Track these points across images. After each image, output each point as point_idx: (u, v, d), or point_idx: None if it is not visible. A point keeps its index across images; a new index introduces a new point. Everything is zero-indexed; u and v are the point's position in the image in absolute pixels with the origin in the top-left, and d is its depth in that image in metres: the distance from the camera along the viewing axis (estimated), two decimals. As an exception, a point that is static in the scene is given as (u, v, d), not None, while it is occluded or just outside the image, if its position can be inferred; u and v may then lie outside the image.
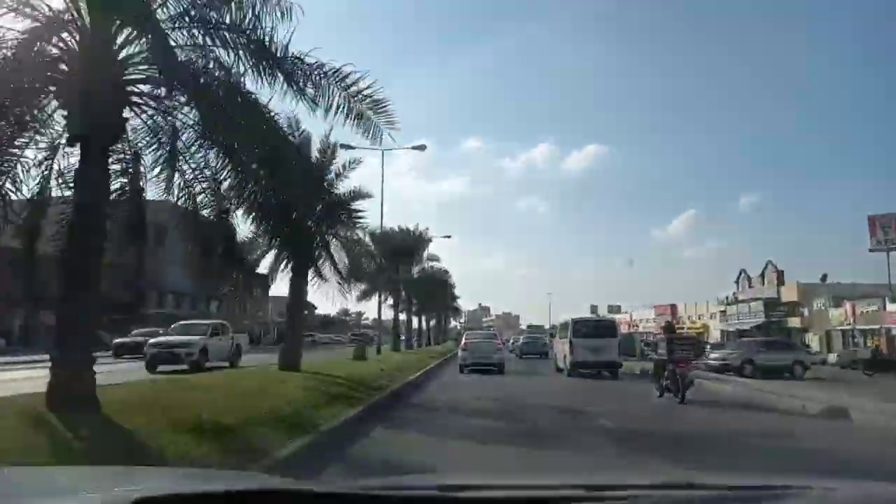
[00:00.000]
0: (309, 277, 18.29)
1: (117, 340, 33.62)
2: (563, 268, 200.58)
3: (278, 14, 8.54)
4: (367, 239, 36.86)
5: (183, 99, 8.85)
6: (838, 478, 2.03)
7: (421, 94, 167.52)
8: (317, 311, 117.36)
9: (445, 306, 61.87)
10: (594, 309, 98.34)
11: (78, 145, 8.12)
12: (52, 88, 8.24)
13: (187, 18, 8.57)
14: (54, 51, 8.18)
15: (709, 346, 63.02)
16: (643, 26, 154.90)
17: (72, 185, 8.63)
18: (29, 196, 9.57)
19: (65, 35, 8.02)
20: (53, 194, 9.83)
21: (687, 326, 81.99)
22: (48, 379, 7.75)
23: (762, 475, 2.95)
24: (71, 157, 9.03)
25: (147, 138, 9.60)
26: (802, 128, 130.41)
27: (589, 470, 5.26)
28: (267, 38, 8.59)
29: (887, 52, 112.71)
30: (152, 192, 10.78)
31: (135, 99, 8.78)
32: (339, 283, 19.29)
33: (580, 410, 12.55)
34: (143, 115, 9.22)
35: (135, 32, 7.92)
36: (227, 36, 8.50)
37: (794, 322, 62.97)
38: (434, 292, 49.46)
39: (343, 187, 18.49)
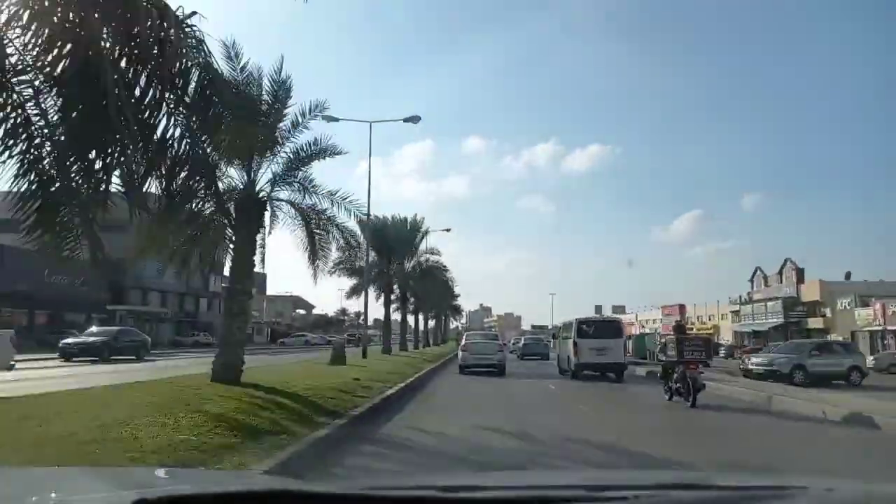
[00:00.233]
0: (256, 250, 13.73)
1: (66, 341, 29.13)
2: (566, 268, 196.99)
3: None
4: (356, 227, 32.88)
5: None
6: (838, 478, 2.11)
7: (422, 94, 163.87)
8: (314, 311, 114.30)
9: (445, 305, 57.13)
10: (598, 309, 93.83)
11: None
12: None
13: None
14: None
15: (722, 349, 59.87)
16: (646, 26, 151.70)
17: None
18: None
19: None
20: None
21: (696, 327, 77.84)
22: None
23: (762, 475, 2.90)
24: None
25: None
26: (805, 127, 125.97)
27: (589, 470, 4.69)
28: None
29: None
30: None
31: None
32: (310, 262, 14.66)
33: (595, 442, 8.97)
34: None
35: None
36: None
37: (816, 323, 58.32)
38: (432, 289, 44.88)
39: (301, 140, 13.92)
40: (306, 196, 14.26)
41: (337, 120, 27.65)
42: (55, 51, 6.74)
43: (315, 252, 14.12)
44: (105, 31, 6.86)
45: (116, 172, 7.44)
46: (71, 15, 6.78)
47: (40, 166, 7.14)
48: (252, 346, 63.51)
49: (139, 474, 2.54)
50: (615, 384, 20.35)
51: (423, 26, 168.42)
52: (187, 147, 7.98)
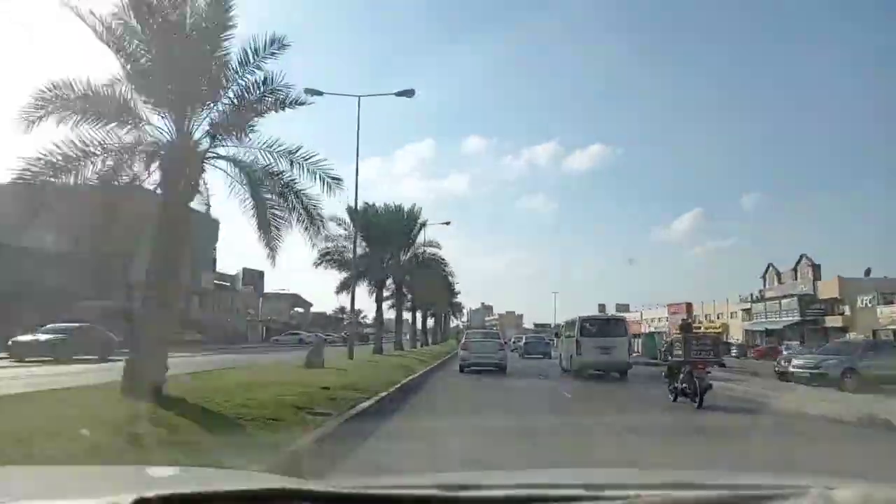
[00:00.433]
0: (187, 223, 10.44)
1: (16, 339, 25.92)
2: (567, 267, 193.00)
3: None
4: (344, 215, 29.51)
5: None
6: (839, 478, 1.85)
7: (422, 93, 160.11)
8: (313, 309, 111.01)
9: (444, 302, 53.77)
10: (602, 308, 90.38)
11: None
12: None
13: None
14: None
15: (733, 348, 56.56)
16: (647, 26, 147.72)
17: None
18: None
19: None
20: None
21: (704, 326, 74.57)
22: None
23: (763, 475, 2.68)
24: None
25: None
26: (806, 126, 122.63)
27: (589, 469, 4.16)
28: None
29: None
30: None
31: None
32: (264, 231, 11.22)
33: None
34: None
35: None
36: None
37: (834, 321, 54.94)
38: (430, 285, 41.53)
39: (252, 78, 10.54)
40: (259, 156, 10.87)
41: (320, 94, 24.57)
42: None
43: (266, 225, 10.76)
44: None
45: None
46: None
47: None
48: (245, 344, 60.57)
49: (139, 474, 2.47)
50: (618, 384, 19.65)
51: (423, 26, 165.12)
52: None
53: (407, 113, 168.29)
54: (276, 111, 10.99)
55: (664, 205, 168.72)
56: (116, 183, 10.56)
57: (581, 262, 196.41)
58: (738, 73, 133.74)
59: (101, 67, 20.98)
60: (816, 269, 58.58)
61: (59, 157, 9.64)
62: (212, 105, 10.60)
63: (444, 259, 36.76)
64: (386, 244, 30.40)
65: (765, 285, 66.87)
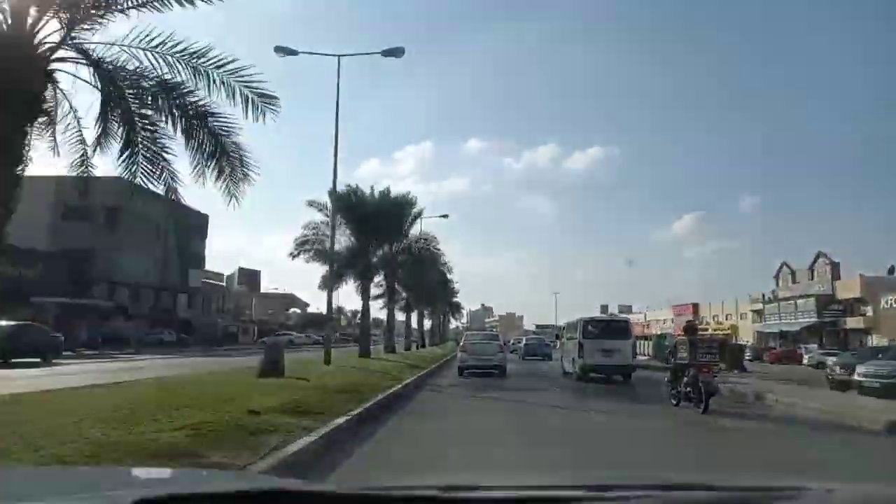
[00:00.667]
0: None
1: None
2: (568, 268, 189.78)
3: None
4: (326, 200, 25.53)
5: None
6: (838, 480, 1.82)
7: (422, 94, 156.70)
8: (309, 309, 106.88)
9: (442, 301, 49.76)
10: (605, 309, 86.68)
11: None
12: None
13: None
14: None
15: (747, 351, 52.42)
16: (647, 26, 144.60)
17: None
18: None
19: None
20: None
21: (712, 328, 70.66)
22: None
23: (763, 476, 2.83)
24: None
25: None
26: (807, 126, 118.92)
27: (590, 470, 4.38)
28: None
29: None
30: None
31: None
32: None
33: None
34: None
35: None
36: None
37: (856, 322, 50.89)
38: (426, 282, 37.63)
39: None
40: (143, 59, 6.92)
41: (295, 53, 20.84)
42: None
43: (133, 146, 6.77)
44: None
45: None
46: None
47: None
48: (234, 345, 56.47)
49: (139, 474, 2.45)
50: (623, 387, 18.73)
51: (423, 27, 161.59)
52: None
53: (406, 114, 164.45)
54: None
55: (665, 206, 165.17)
56: None
57: (581, 264, 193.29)
58: (738, 73, 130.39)
59: None
60: (835, 267, 54.51)
61: None
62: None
63: (440, 250, 32.48)
64: (375, 234, 26.31)
65: (778, 285, 62.82)
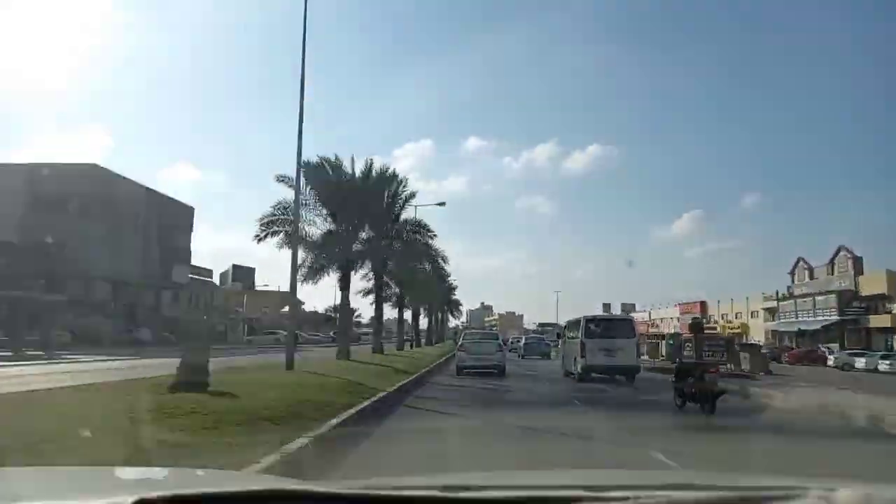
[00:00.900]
0: None
1: None
2: (568, 267, 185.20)
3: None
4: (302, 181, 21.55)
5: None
6: (839, 479, 1.72)
7: (421, 94, 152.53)
8: (305, 308, 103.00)
9: (437, 296, 45.70)
10: (607, 307, 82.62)
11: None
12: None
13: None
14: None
15: (763, 350, 48.26)
16: (646, 26, 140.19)
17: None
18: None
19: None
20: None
21: (721, 326, 66.82)
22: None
23: (763, 475, 2.63)
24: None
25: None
26: (808, 126, 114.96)
27: (589, 470, 4.16)
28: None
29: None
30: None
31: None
32: None
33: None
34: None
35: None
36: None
37: (880, 321, 46.85)
38: (421, 276, 33.60)
39: None
40: None
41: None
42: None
43: None
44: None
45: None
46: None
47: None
48: (223, 344, 52.35)
49: (139, 474, 2.44)
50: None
51: (423, 27, 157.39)
52: None
53: (406, 112, 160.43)
54: None
55: (665, 204, 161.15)
56: None
57: (582, 263, 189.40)
58: (738, 72, 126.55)
59: None
60: (857, 261, 50.43)
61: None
62: None
63: (432, 232, 28.03)
64: (357, 216, 22.21)
65: (793, 281, 58.80)
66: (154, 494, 1.36)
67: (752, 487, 1.69)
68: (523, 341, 46.36)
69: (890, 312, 46.42)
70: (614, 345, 18.94)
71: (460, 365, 21.50)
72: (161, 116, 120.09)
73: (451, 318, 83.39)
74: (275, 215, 20.34)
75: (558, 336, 30.96)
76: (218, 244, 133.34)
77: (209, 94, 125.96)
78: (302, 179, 21.02)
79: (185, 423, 6.60)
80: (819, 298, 52.08)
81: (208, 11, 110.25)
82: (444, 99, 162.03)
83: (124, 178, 53.63)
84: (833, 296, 50.19)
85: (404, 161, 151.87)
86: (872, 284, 48.16)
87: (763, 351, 37.89)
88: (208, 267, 77.50)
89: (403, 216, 27.08)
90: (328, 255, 21.53)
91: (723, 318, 71.40)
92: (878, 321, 47.09)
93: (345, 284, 21.87)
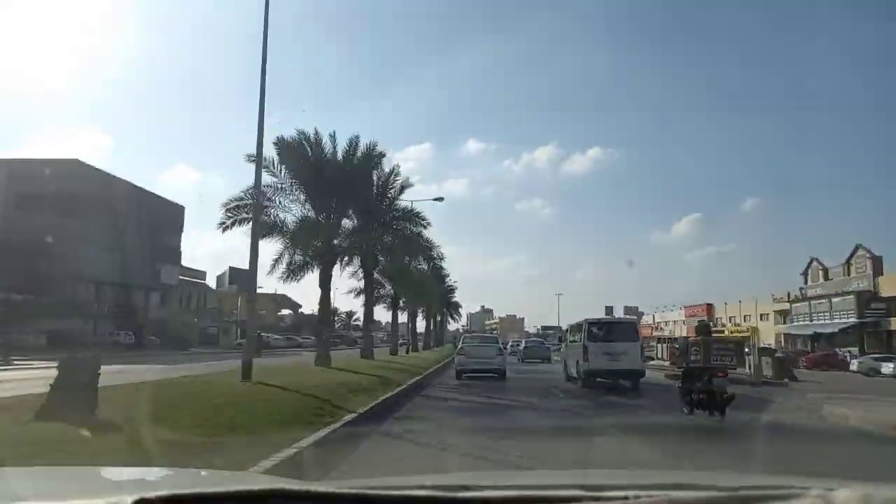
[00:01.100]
0: None
1: None
2: (569, 270, 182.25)
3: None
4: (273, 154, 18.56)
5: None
6: (839, 479, 1.63)
7: (422, 95, 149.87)
8: (302, 311, 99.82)
9: (434, 295, 42.58)
10: (609, 310, 79.64)
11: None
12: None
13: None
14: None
15: (778, 354, 45.09)
16: (646, 28, 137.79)
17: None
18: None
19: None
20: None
21: (729, 329, 63.69)
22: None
23: (763, 475, 2.63)
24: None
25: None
26: (809, 127, 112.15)
27: (589, 470, 4.11)
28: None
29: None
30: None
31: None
32: None
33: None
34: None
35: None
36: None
37: (903, 324, 43.76)
38: (415, 272, 30.56)
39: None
40: None
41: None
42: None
43: None
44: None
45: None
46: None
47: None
48: (213, 348, 49.18)
49: (139, 474, 2.36)
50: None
51: (423, 27, 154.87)
52: None
53: (406, 115, 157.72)
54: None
55: (666, 206, 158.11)
56: None
57: (582, 265, 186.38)
58: (738, 73, 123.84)
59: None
60: (877, 261, 47.32)
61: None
62: None
63: (427, 226, 24.77)
64: (340, 202, 19.17)
65: (806, 282, 55.69)
66: (154, 494, 1.33)
67: (752, 487, 1.62)
68: (523, 345, 45.28)
69: (914, 315, 43.32)
70: (618, 348, 18.14)
71: (460, 369, 20.90)
72: (161, 117, 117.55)
73: (450, 321, 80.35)
74: (243, 199, 17.31)
75: (560, 340, 30.18)
76: (217, 247, 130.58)
77: (209, 95, 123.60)
78: (276, 159, 18.14)
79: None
80: (836, 300, 48.97)
81: (209, 12, 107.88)
82: (443, 101, 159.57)
83: (109, 174, 50.73)
84: (851, 297, 47.06)
85: (404, 165, 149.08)
86: (894, 285, 45.04)
87: (778, 355, 34.78)
88: (204, 269, 74.47)
89: (397, 208, 24.13)
90: (304, 247, 18.46)
91: (730, 320, 68.27)
92: (900, 324, 43.98)
93: (325, 280, 18.77)
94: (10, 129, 75.24)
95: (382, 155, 19.63)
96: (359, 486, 1.51)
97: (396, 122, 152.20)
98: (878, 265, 47.08)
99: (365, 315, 25.60)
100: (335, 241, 19.06)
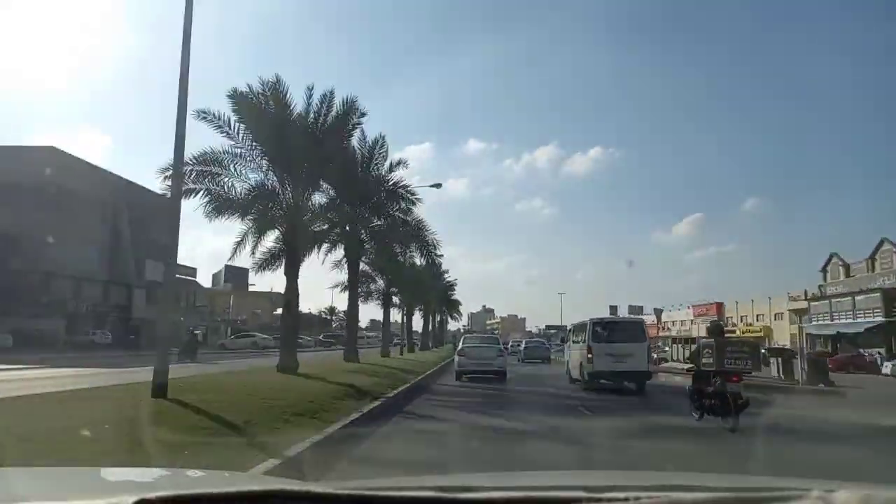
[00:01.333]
0: None
1: None
2: (570, 269, 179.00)
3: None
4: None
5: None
6: (839, 481, 1.66)
7: (422, 96, 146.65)
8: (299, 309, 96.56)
9: (429, 290, 38.93)
10: (614, 310, 75.86)
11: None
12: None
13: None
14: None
15: (796, 358, 41.38)
16: (647, 28, 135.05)
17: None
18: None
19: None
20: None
21: (741, 330, 60.15)
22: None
23: (763, 477, 2.66)
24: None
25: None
26: (808, 127, 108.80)
27: (589, 471, 4.20)
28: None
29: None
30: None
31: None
32: None
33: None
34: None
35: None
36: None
37: (935, 322, 40.01)
38: (409, 265, 27.00)
39: None
40: None
41: None
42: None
43: None
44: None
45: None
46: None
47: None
48: (200, 348, 45.49)
49: (139, 475, 2.36)
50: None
51: (423, 27, 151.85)
52: None
53: (406, 115, 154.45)
54: None
55: (667, 206, 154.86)
56: None
57: (583, 265, 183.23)
58: (738, 73, 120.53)
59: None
60: (905, 256, 43.68)
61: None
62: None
63: (417, 202, 20.91)
64: (308, 170, 15.45)
65: (825, 279, 51.98)
66: (154, 495, 1.32)
67: (752, 488, 1.63)
68: (523, 345, 44.54)
69: (947, 313, 39.59)
70: (623, 349, 17.27)
71: (459, 370, 20.31)
72: (161, 117, 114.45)
73: (450, 320, 76.65)
74: (188, 164, 13.67)
75: (562, 340, 29.23)
76: (216, 246, 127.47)
77: (209, 95, 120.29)
78: (232, 116, 14.59)
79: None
80: (859, 298, 45.27)
81: (209, 12, 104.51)
82: (443, 101, 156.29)
83: (90, 164, 47.19)
84: (877, 294, 43.35)
85: (409, 168, 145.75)
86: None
87: (794, 356, 31.08)
88: (195, 267, 70.89)
89: (385, 187, 20.50)
90: (259, 223, 14.84)
91: (741, 320, 64.66)
92: (931, 323, 40.23)
93: (291, 265, 15.10)
94: (9, 129, 72.20)
95: (363, 114, 15.94)
96: (358, 487, 1.48)
97: (396, 122, 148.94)
98: (906, 260, 43.39)
99: (349, 310, 21.94)
100: (304, 218, 15.39)
